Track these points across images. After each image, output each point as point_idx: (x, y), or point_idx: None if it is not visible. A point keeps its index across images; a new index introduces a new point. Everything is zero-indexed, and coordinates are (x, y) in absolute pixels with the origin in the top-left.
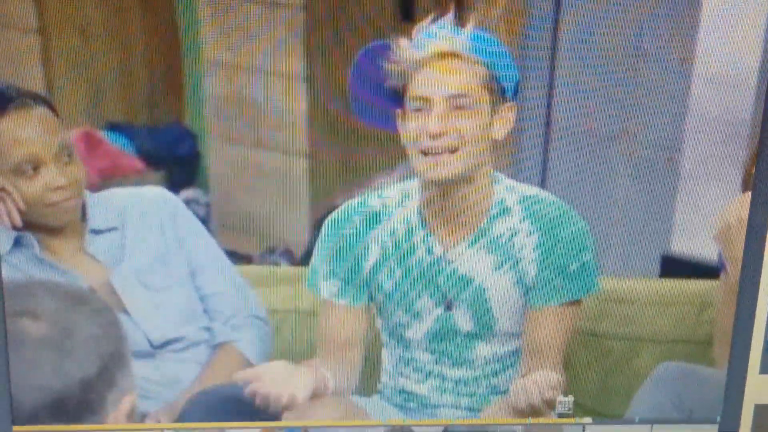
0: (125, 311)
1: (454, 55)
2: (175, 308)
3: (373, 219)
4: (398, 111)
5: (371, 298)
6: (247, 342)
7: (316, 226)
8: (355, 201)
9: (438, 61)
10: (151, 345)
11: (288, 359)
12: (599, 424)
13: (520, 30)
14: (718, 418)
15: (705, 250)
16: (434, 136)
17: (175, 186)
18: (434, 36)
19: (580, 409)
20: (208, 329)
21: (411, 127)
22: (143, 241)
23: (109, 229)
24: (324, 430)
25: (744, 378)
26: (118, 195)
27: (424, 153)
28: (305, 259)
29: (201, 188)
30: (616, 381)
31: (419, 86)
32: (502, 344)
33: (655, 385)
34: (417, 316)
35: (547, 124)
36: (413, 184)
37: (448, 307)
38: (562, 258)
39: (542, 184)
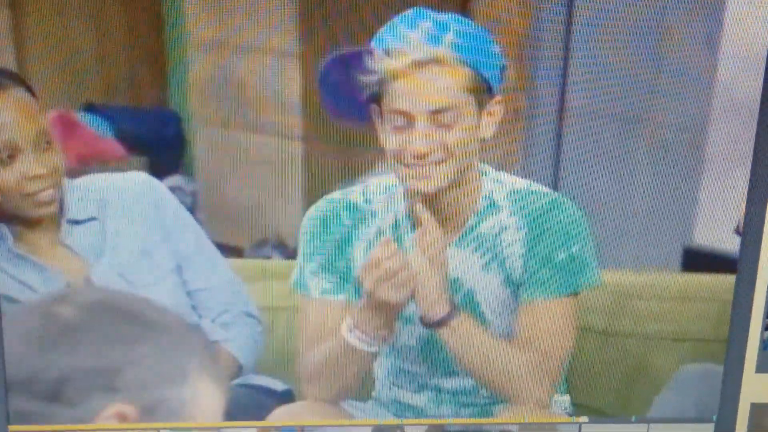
0: None
1: (435, 61)
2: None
3: (357, 215)
4: (374, 107)
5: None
6: (237, 342)
7: None
8: (335, 194)
9: (416, 70)
10: None
11: (281, 359)
12: (596, 423)
13: (532, 2)
14: (715, 417)
15: (730, 241)
16: (420, 156)
17: (158, 173)
18: (409, 42)
19: (594, 414)
20: (196, 327)
21: (392, 141)
22: (126, 233)
23: (88, 220)
24: (320, 430)
25: (740, 377)
26: (98, 183)
27: (405, 165)
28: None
29: (186, 175)
30: (633, 384)
31: (397, 100)
32: None
33: (677, 388)
34: (407, 320)
35: (560, 106)
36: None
37: None
38: (548, 248)
39: (554, 172)
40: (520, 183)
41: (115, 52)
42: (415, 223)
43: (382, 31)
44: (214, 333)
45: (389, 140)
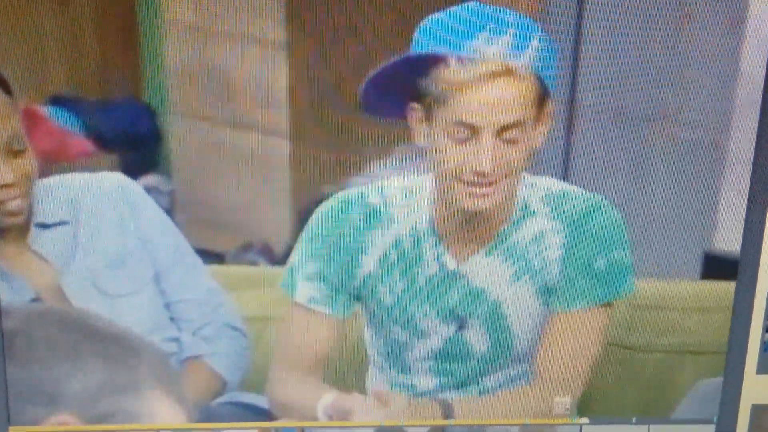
0: None
1: (509, 73)
2: (138, 317)
3: (374, 218)
4: (415, 106)
5: (366, 312)
6: (219, 356)
7: (300, 220)
8: (351, 193)
9: (489, 81)
10: None
11: (267, 373)
12: (596, 424)
13: None
14: (715, 419)
15: None
16: (483, 174)
17: (131, 172)
18: (487, 53)
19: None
20: (176, 340)
21: (449, 154)
22: (99, 239)
23: (58, 224)
24: (321, 430)
25: (741, 378)
26: (69, 183)
27: (463, 181)
28: (286, 258)
29: (162, 174)
30: (650, 400)
31: (462, 111)
32: (519, 364)
33: (696, 403)
34: (421, 335)
35: (571, 101)
36: (419, 182)
37: (461, 327)
38: (588, 254)
39: (564, 172)
40: (556, 185)
41: (84, 40)
42: (441, 236)
43: (455, 32)
44: (196, 347)
45: (446, 152)
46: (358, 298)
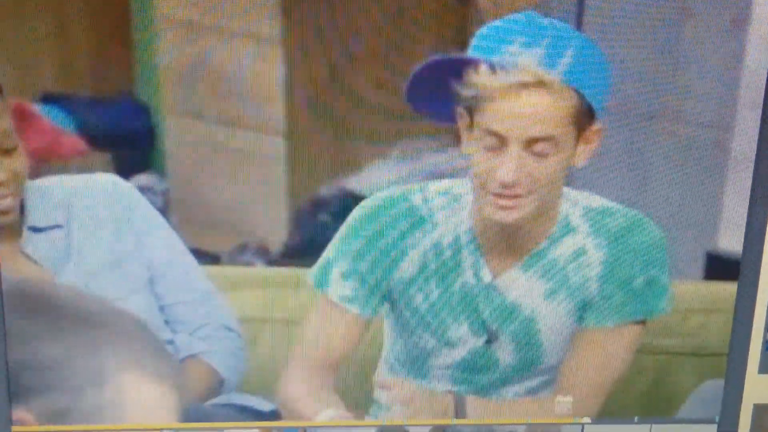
0: None
1: (543, 85)
2: None
3: (416, 222)
4: (462, 111)
5: (394, 315)
6: (216, 354)
7: (297, 219)
8: (395, 193)
9: (520, 92)
10: None
11: (266, 376)
12: (598, 423)
13: None
14: (717, 418)
15: None
16: (506, 185)
17: (124, 171)
18: (519, 60)
19: None
20: (171, 342)
21: (478, 161)
22: (93, 242)
23: (52, 227)
24: (323, 430)
25: (743, 378)
26: (63, 185)
27: (490, 191)
28: (283, 259)
29: (156, 174)
30: (652, 401)
31: (492, 119)
32: (541, 376)
33: (697, 406)
34: (449, 344)
35: None
36: (462, 188)
37: (490, 340)
38: (628, 272)
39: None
40: (596, 201)
41: (76, 36)
42: (480, 247)
43: (490, 37)
44: (193, 346)
45: (475, 159)
46: (390, 300)
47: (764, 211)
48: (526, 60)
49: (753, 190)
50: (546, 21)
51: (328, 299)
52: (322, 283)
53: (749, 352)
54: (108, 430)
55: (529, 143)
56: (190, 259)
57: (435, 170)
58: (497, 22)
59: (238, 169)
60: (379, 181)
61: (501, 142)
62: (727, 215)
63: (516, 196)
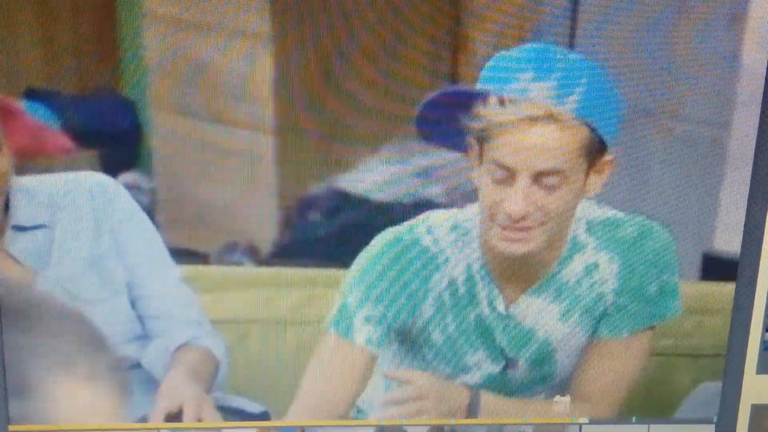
0: None
1: (552, 119)
2: (113, 324)
3: (430, 262)
4: (472, 142)
5: (409, 348)
6: (206, 338)
7: (286, 218)
8: (402, 233)
9: (528, 126)
10: None
11: (255, 376)
12: (596, 423)
13: None
14: (715, 419)
15: None
16: (515, 219)
17: (111, 169)
18: (528, 94)
19: None
20: (144, 338)
21: (487, 193)
22: (75, 243)
23: (36, 227)
24: (321, 430)
25: (741, 378)
26: (48, 185)
27: (498, 223)
28: (273, 258)
29: (143, 172)
30: (648, 403)
31: (501, 152)
32: (552, 388)
33: (694, 408)
34: (465, 369)
35: None
36: (466, 219)
37: (508, 366)
38: (642, 281)
39: None
40: (596, 212)
41: (60, 31)
42: (493, 277)
43: (500, 70)
44: (183, 334)
45: (484, 190)
46: (408, 337)
47: (762, 211)
48: (536, 93)
49: (751, 190)
50: (558, 53)
51: (350, 343)
52: (345, 330)
53: (747, 353)
54: (104, 430)
55: (539, 176)
56: (170, 263)
57: (427, 171)
58: (506, 53)
59: (227, 168)
60: (371, 181)
61: (510, 174)
62: (724, 215)
63: (525, 229)
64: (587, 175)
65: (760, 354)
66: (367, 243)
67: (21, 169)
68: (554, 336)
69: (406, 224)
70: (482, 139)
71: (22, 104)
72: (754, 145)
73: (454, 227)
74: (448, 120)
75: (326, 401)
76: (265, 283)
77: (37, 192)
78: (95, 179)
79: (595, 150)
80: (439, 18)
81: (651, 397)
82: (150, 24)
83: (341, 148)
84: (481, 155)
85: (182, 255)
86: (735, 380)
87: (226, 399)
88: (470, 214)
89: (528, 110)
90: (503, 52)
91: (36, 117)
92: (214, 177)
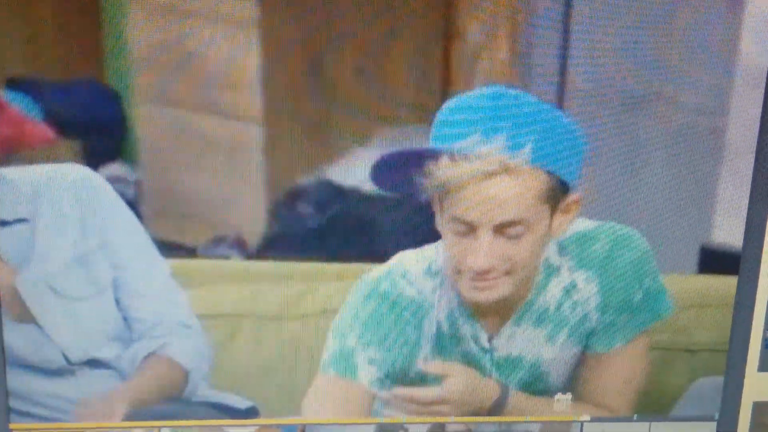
0: (35, 323)
1: (507, 171)
2: (98, 322)
3: (419, 310)
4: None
5: (402, 382)
6: (174, 346)
7: (275, 211)
8: (383, 284)
9: (484, 179)
10: (69, 362)
11: (244, 372)
12: (597, 421)
13: None
14: (717, 416)
15: None
16: (479, 272)
17: (94, 160)
18: (480, 152)
19: None
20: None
21: (450, 246)
22: (58, 238)
23: (18, 221)
24: (321, 428)
25: (742, 375)
26: (30, 177)
27: (465, 275)
28: (261, 252)
29: (127, 163)
30: (643, 399)
31: (459, 207)
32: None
33: (690, 405)
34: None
35: (560, 84)
36: (436, 260)
37: (502, 396)
38: (623, 293)
39: None
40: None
41: (42, 18)
42: (472, 314)
43: (449, 125)
44: (149, 344)
45: (447, 242)
46: (405, 379)
47: (764, 210)
48: (488, 149)
49: (753, 181)
50: (511, 98)
51: (352, 382)
52: (348, 370)
53: (749, 350)
54: (106, 428)
55: (501, 228)
56: (156, 257)
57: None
58: (455, 104)
59: (214, 159)
60: (362, 171)
61: (470, 228)
62: (723, 206)
63: (492, 278)
64: (552, 218)
65: (761, 351)
66: (357, 236)
67: (3, 161)
68: (543, 358)
69: (383, 272)
70: (440, 194)
71: (2, 94)
72: (753, 135)
73: (430, 274)
74: (402, 178)
75: None
76: (254, 277)
77: (19, 184)
78: (79, 173)
79: (557, 193)
80: (432, 2)
81: (648, 392)
82: (134, 10)
83: (332, 138)
84: (441, 206)
85: (168, 248)
86: (737, 378)
87: (211, 395)
88: (442, 259)
89: (481, 166)
90: (451, 103)
91: (16, 107)
92: (201, 168)
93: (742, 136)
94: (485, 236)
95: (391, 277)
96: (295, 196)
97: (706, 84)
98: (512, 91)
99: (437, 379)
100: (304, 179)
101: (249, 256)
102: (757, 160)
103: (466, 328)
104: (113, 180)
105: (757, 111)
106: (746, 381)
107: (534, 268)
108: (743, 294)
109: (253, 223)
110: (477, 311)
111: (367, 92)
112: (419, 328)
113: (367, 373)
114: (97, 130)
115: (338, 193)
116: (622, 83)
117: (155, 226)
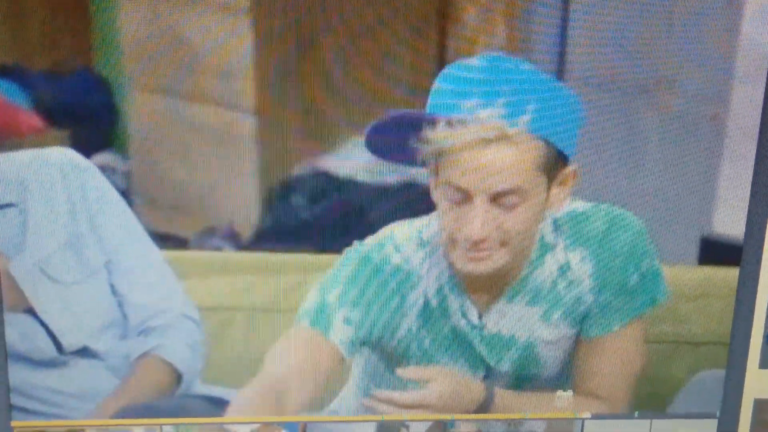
0: (29, 310)
1: (505, 139)
2: (91, 307)
3: (406, 281)
4: (430, 160)
5: (385, 358)
6: (168, 348)
7: (268, 201)
8: (370, 251)
9: (480, 147)
10: (60, 351)
11: (237, 365)
12: (598, 418)
13: None
14: (718, 413)
15: None
16: (474, 242)
17: (84, 150)
18: (477, 116)
19: None
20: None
21: (444, 215)
22: (49, 221)
23: (6, 206)
24: (323, 426)
25: (744, 372)
26: (16, 161)
27: (459, 245)
28: (254, 243)
29: (118, 152)
30: (644, 393)
31: (454, 174)
32: (544, 384)
33: (691, 398)
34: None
35: (559, 72)
36: (429, 231)
37: (489, 375)
38: (620, 275)
39: None
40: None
41: (30, 5)
42: (463, 288)
43: (447, 93)
44: (145, 342)
45: (441, 210)
46: (385, 352)
47: (765, 206)
48: (486, 115)
49: (755, 172)
50: (510, 64)
51: (322, 337)
52: (323, 324)
53: (750, 347)
54: (106, 426)
55: (496, 197)
56: (149, 241)
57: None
58: (453, 71)
59: (205, 148)
60: (357, 162)
61: (466, 196)
62: (723, 196)
63: (487, 249)
64: (549, 189)
65: (763, 348)
66: (352, 227)
67: None
68: (537, 339)
69: (375, 240)
70: (437, 160)
71: None
72: (755, 123)
73: (421, 244)
74: (397, 144)
75: (281, 390)
76: (246, 269)
77: (4, 169)
78: (65, 156)
79: (554, 164)
80: None
81: (648, 386)
82: None
83: (326, 127)
84: (437, 173)
85: (159, 239)
86: (738, 375)
87: (204, 388)
88: (434, 229)
89: (478, 133)
90: (449, 70)
91: (5, 95)
92: (192, 158)
93: (743, 124)
94: (481, 204)
95: (382, 245)
96: (288, 186)
97: (706, 70)
98: (512, 59)
99: (418, 351)
100: (298, 169)
101: (242, 247)
102: (759, 146)
103: (455, 303)
104: (103, 169)
105: (759, 97)
106: (747, 378)
107: (529, 242)
108: (744, 291)
109: (246, 214)
110: (468, 285)
111: (362, 80)
112: (404, 299)
113: (340, 332)
114: (86, 118)
115: (332, 183)
116: (622, 71)
117: (145, 216)
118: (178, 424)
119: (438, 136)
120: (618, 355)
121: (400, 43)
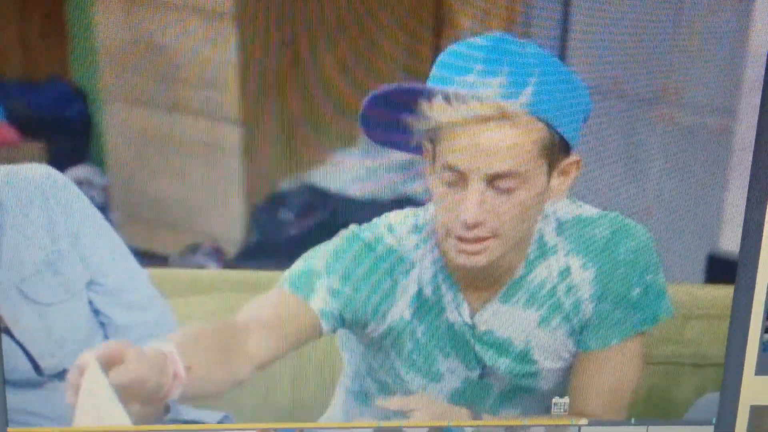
0: (7, 331)
1: (505, 117)
2: (71, 327)
3: (397, 264)
4: (427, 145)
5: (374, 351)
6: None
7: (253, 217)
8: (367, 236)
9: (479, 126)
10: (39, 373)
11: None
12: (595, 425)
13: None
14: (714, 420)
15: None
16: (468, 226)
17: (60, 163)
18: (476, 92)
19: None
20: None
21: (441, 202)
22: (25, 241)
23: None
24: (319, 431)
25: (740, 379)
26: None
27: (453, 235)
28: (239, 261)
29: (95, 166)
30: (649, 415)
31: (451, 154)
32: (540, 401)
33: (696, 421)
34: (437, 378)
35: None
36: (424, 217)
37: (484, 374)
38: (622, 285)
39: None
40: (567, 209)
41: (4, 13)
42: (457, 283)
43: (446, 66)
44: None
45: (437, 197)
46: (375, 342)
47: (761, 209)
48: (484, 91)
49: (750, 187)
50: (513, 44)
51: (301, 301)
52: (304, 289)
53: (746, 354)
54: (108, 431)
55: (493, 179)
56: (132, 260)
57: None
58: (456, 47)
59: (188, 161)
60: (345, 176)
61: (461, 178)
62: (731, 212)
63: (480, 240)
64: (549, 176)
65: (759, 355)
66: None
67: None
68: (533, 344)
69: (369, 224)
70: (433, 140)
71: None
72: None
73: (416, 228)
74: (393, 120)
75: (241, 332)
76: (231, 287)
77: None
78: (42, 171)
79: (556, 150)
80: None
81: (652, 408)
82: (101, 3)
83: (313, 139)
84: (434, 157)
85: (139, 257)
86: (734, 381)
87: (182, 412)
88: (430, 214)
89: (477, 109)
90: (453, 46)
91: None
92: (174, 172)
93: (749, 137)
94: (477, 186)
95: (376, 224)
96: (275, 201)
97: (712, 82)
98: (518, 40)
99: (410, 343)
100: (285, 183)
101: (226, 265)
102: (754, 163)
103: (448, 296)
104: (80, 183)
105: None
106: (744, 384)
107: (526, 236)
108: (740, 298)
109: (231, 230)
110: (461, 281)
111: (350, 89)
112: (396, 283)
113: (322, 301)
114: (63, 131)
115: (320, 198)
116: (627, 82)
117: (124, 233)
118: (173, 431)
119: (435, 110)
120: (615, 372)
121: (391, 49)
